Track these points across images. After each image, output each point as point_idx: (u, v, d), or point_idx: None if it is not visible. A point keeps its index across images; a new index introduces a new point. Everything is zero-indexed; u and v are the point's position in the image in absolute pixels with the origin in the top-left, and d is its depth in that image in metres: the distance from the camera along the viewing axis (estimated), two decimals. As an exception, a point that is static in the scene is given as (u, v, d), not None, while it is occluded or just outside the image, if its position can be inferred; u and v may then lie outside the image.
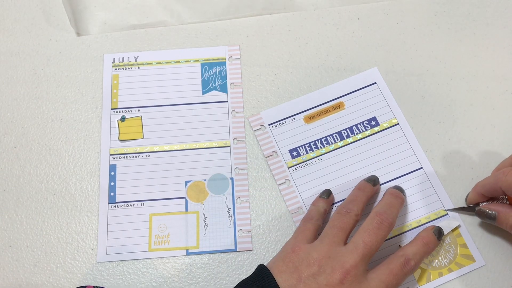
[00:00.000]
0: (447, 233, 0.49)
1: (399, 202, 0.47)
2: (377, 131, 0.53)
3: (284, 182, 0.52)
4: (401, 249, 0.45)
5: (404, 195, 0.50)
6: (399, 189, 0.49)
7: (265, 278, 0.42)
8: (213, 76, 0.56)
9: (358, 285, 0.41)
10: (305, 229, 0.46)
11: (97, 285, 0.49)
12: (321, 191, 0.50)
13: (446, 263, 0.49)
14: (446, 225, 0.49)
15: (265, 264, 0.44)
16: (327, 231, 0.45)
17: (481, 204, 0.49)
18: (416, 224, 0.50)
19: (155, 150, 0.53)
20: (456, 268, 0.48)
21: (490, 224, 0.49)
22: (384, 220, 0.44)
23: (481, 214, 0.48)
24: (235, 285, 0.43)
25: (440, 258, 0.49)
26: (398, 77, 0.56)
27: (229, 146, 0.53)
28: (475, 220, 0.50)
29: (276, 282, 0.41)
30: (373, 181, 0.50)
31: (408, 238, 0.50)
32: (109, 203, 0.52)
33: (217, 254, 0.50)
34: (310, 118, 0.54)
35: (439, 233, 0.47)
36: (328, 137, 0.53)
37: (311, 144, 0.53)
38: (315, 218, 0.47)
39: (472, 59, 0.56)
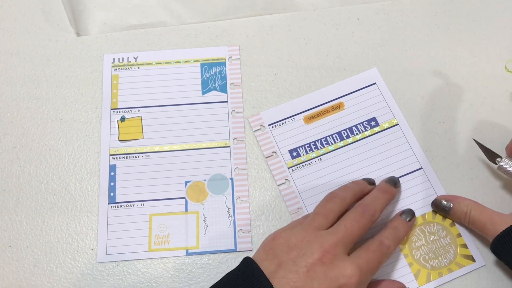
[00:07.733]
0: (446, 234, 0.49)
1: (385, 197, 0.47)
2: (376, 131, 0.53)
3: (284, 183, 0.52)
4: (375, 235, 0.46)
5: (398, 187, 0.50)
6: (393, 182, 0.49)
7: (248, 266, 0.42)
8: (213, 76, 0.56)
9: (340, 263, 0.41)
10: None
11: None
12: (324, 195, 0.49)
13: (446, 263, 0.49)
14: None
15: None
16: (309, 217, 0.45)
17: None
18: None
19: (155, 150, 0.53)
20: (456, 268, 0.48)
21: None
22: (366, 211, 0.45)
23: (437, 206, 0.50)
24: (220, 278, 0.43)
25: (440, 258, 0.49)
26: (398, 77, 0.56)
27: (229, 146, 0.53)
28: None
29: (261, 270, 0.41)
30: (368, 181, 0.50)
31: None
32: (109, 203, 0.52)
33: (217, 254, 0.50)
34: (310, 119, 0.54)
35: (406, 215, 0.48)
36: (328, 138, 0.53)
37: (311, 144, 0.53)
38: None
39: (472, 59, 0.56)
